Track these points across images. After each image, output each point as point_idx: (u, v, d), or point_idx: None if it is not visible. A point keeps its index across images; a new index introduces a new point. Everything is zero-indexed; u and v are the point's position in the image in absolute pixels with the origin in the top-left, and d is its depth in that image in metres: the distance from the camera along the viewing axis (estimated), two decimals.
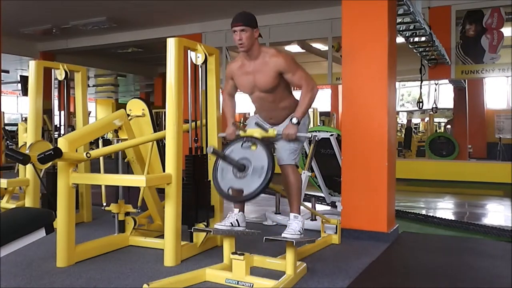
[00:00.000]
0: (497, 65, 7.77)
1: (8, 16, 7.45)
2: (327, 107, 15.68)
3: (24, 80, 12.04)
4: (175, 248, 3.14)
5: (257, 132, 2.93)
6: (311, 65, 12.33)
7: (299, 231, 2.93)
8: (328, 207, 5.21)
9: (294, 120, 2.92)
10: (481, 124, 12.38)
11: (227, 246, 2.93)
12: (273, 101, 3.04)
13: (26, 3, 7.95)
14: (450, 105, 12.73)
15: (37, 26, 9.77)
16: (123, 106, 4.14)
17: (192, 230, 3.23)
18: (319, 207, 5.16)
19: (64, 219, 3.12)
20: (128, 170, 4.03)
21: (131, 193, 3.83)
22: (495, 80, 13.36)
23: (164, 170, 3.33)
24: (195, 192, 3.38)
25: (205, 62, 3.47)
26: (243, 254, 2.70)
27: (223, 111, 3.34)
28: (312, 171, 4.75)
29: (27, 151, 3.86)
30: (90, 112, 19.30)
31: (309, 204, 4.49)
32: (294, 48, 10.18)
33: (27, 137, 4.36)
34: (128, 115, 3.93)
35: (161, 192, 3.57)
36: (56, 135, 4.64)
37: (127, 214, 3.70)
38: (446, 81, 11.27)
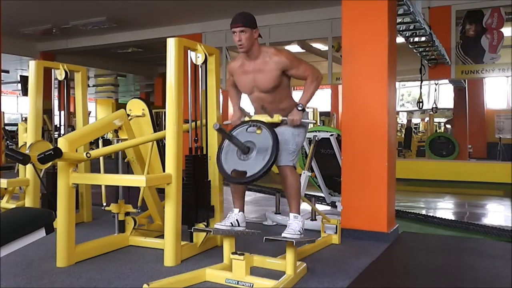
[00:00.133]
0: (497, 65, 7.77)
1: (8, 16, 7.45)
2: (327, 107, 15.68)
3: (24, 80, 12.04)
4: (175, 248, 3.14)
5: (263, 117, 2.97)
6: None
7: (299, 231, 2.93)
8: (328, 207, 5.21)
9: (299, 107, 2.96)
10: (481, 124, 12.38)
11: (227, 246, 2.93)
12: (273, 102, 3.04)
13: (26, 3, 7.95)
14: (450, 105, 12.73)
15: (37, 26, 9.77)
16: (123, 106, 4.14)
17: (192, 230, 3.23)
18: (319, 207, 5.15)
19: (64, 219, 3.12)
20: (128, 170, 4.03)
21: (131, 193, 3.83)
22: (495, 80, 13.36)
23: (164, 170, 3.33)
24: (195, 192, 3.38)
25: (205, 62, 3.47)
26: (243, 254, 2.70)
27: (224, 107, 3.37)
28: (312, 171, 4.75)
29: (27, 151, 3.86)
30: (90, 112, 19.30)
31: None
32: (294, 48, 10.17)
33: (27, 137, 4.36)
34: (128, 115, 3.93)
35: (161, 192, 3.57)
36: (56, 135, 4.63)
37: (127, 214, 3.70)
38: (446, 81, 11.27)
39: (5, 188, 4.46)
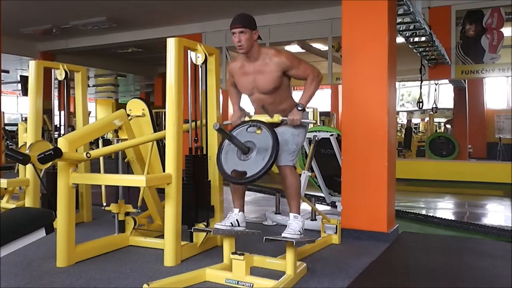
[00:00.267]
0: (497, 65, 7.77)
1: (8, 16, 7.45)
2: (327, 107, 15.68)
3: (24, 80, 12.04)
4: (175, 248, 3.14)
5: (263, 117, 2.97)
6: None
7: (299, 231, 2.93)
8: (328, 207, 5.21)
9: (299, 107, 2.96)
10: (481, 124, 12.38)
11: (227, 246, 2.93)
12: (273, 103, 3.04)
13: (26, 3, 7.95)
14: (450, 105, 12.73)
15: (37, 26, 9.77)
16: (123, 106, 4.14)
17: (192, 230, 3.23)
18: (319, 207, 5.15)
19: (64, 219, 3.12)
20: (128, 170, 4.03)
21: (131, 193, 3.83)
22: (495, 80, 13.36)
23: (164, 170, 3.33)
24: (195, 192, 3.38)
25: (205, 62, 3.47)
26: (243, 254, 2.70)
27: (225, 107, 3.36)
28: (312, 171, 4.75)
29: (27, 151, 3.86)
30: (90, 112, 19.30)
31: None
32: (294, 48, 10.17)
33: (27, 137, 4.36)
34: (128, 115, 3.93)
35: (161, 192, 3.57)
36: (56, 135, 4.63)
37: (127, 214, 3.70)
38: (446, 81, 11.27)
39: (5, 188, 4.46)
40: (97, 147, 4.19)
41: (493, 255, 3.57)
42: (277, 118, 2.98)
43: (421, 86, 8.53)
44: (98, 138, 3.86)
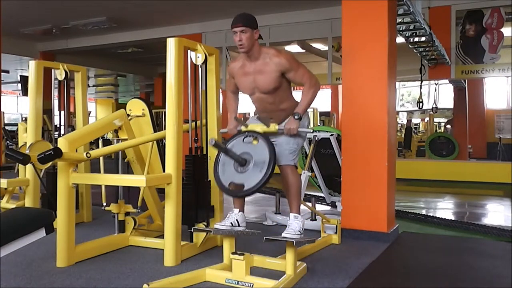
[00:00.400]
0: (497, 65, 7.77)
1: (8, 16, 7.45)
2: (327, 107, 15.68)
3: (24, 80, 12.04)
4: (175, 248, 3.14)
5: (259, 127, 2.94)
6: (311, 65, 12.25)
7: (299, 231, 2.93)
8: (328, 207, 5.21)
9: (296, 115, 2.94)
10: (481, 124, 12.38)
11: (227, 246, 2.93)
12: (273, 102, 3.04)
13: (26, 3, 7.95)
14: (450, 105, 12.73)
15: (37, 26, 9.77)
16: (123, 106, 4.14)
17: (192, 230, 3.23)
18: (319, 207, 5.15)
19: (64, 219, 3.12)
20: (128, 170, 4.03)
21: (131, 193, 3.83)
22: (495, 80, 13.36)
23: (164, 170, 3.33)
24: (195, 192, 3.38)
25: (205, 62, 3.47)
26: (243, 254, 2.70)
27: (225, 107, 3.35)
28: (312, 171, 4.75)
29: (27, 151, 3.86)
30: (90, 112, 19.30)
31: (309, 204, 4.50)
32: (294, 48, 10.17)
33: (27, 137, 4.36)
34: (128, 115, 3.93)
35: (161, 192, 3.57)
36: (56, 135, 4.63)
37: (127, 214, 3.70)
38: (446, 81, 11.26)
39: (5, 188, 4.46)
40: (97, 147, 4.19)
41: (493, 255, 3.57)
42: (273, 127, 2.95)
43: (421, 86, 8.53)
44: (98, 138, 3.86)
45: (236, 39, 2.92)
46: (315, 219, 4.30)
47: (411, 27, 5.54)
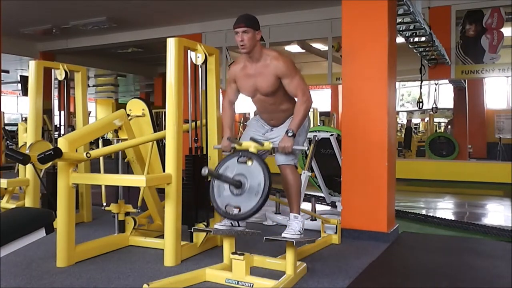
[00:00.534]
0: (497, 65, 7.77)
1: (8, 16, 7.45)
2: (327, 107, 15.68)
3: (24, 80, 12.04)
4: (175, 248, 3.14)
5: (252, 147, 2.88)
6: (311, 65, 12.34)
7: (299, 231, 2.93)
8: (328, 207, 5.21)
9: (290, 133, 2.89)
10: (481, 124, 12.37)
11: (227, 246, 2.93)
12: (274, 104, 3.04)
13: (26, 3, 7.94)
14: (450, 105, 12.73)
15: (37, 26, 9.77)
16: (123, 106, 4.14)
17: (192, 230, 3.23)
18: (319, 207, 5.15)
19: (64, 219, 3.12)
20: (128, 170, 4.03)
21: (131, 193, 3.83)
22: (495, 80, 13.35)
23: (164, 170, 3.33)
24: (195, 192, 3.38)
25: (205, 62, 3.47)
26: (243, 254, 2.70)
27: (221, 119, 3.29)
28: (312, 171, 4.75)
29: (27, 151, 3.86)
30: (90, 112, 19.31)
31: (309, 204, 4.50)
32: (294, 48, 10.17)
33: (27, 137, 4.36)
34: (128, 115, 3.93)
35: (161, 192, 3.57)
36: (56, 135, 4.63)
37: (127, 214, 3.70)
38: (446, 81, 11.26)
39: (5, 188, 4.45)
40: (97, 147, 4.19)
41: (493, 255, 3.57)
42: (267, 145, 2.92)
43: (421, 86, 8.53)
44: (98, 138, 3.86)
45: (238, 39, 2.92)
46: (315, 219, 4.30)
47: (411, 27, 5.53)
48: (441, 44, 6.84)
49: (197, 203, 3.39)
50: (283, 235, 2.91)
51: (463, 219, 5.30)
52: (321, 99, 15.85)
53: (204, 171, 2.53)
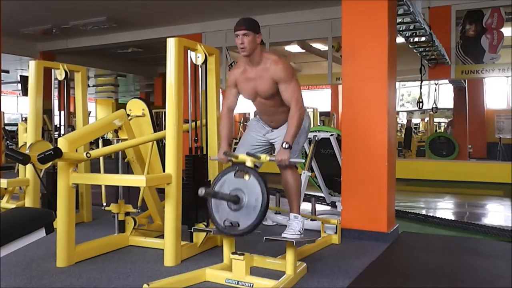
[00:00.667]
0: (497, 65, 7.77)
1: (8, 16, 7.46)
2: (327, 107, 15.69)
3: (24, 80, 12.05)
4: (175, 248, 3.14)
5: (249, 161, 2.84)
6: (311, 65, 12.36)
7: (299, 231, 2.94)
8: (328, 207, 5.21)
9: (285, 145, 2.85)
10: (481, 124, 12.36)
11: (227, 246, 2.93)
12: (274, 106, 3.05)
13: (26, 3, 7.95)
14: (450, 105, 12.72)
15: (37, 26, 9.77)
16: (123, 106, 4.14)
17: (192, 230, 3.23)
18: (319, 207, 5.15)
19: (64, 219, 3.12)
20: (128, 170, 4.03)
21: (131, 193, 3.83)
22: (495, 80, 13.35)
23: (164, 170, 3.33)
24: (195, 192, 3.37)
25: (205, 62, 3.48)
26: (243, 254, 2.70)
27: (219, 127, 3.27)
28: (312, 171, 4.75)
29: (27, 151, 3.86)
30: (90, 112, 19.31)
31: (309, 204, 4.50)
32: (294, 48, 10.18)
33: (27, 137, 4.36)
34: (128, 115, 3.93)
35: (161, 192, 3.57)
36: (56, 135, 4.63)
37: (127, 214, 3.70)
38: (446, 81, 11.26)
39: (5, 188, 4.45)
40: (97, 147, 4.19)
41: (493, 255, 3.57)
42: (264, 158, 2.88)
43: (421, 86, 8.53)
44: (98, 138, 3.86)
45: (238, 42, 2.92)
46: (315, 219, 4.30)
47: (411, 27, 5.54)
48: (441, 44, 6.84)
49: (197, 203, 3.38)
50: (283, 235, 2.91)
51: (463, 219, 5.30)
52: (321, 99, 15.86)
53: (201, 191, 2.51)
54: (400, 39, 5.82)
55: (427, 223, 4.83)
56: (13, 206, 4.43)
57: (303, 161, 3.13)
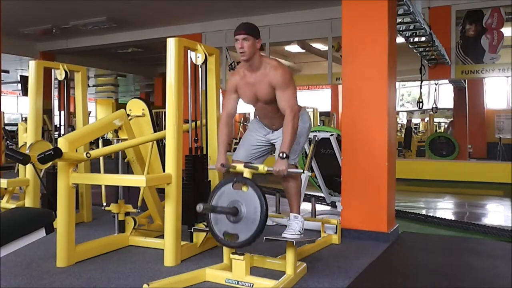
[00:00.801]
0: (497, 65, 7.78)
1: (8, 16, 7.46)
2: (327, 107, 15.69)
3: (24, 80, 12.05)
4: (175, 248, 3.14)
5: (247, 172, 2.84)
6: (311, 65, 12.36)
7: (299, 231, 2.94)
8: (328, 207, 5.21)
9: (282, 155, 2.83)
10: (481, 124, 12.37)
11: None
12: (274, 110, 3.04)
13: (26, 3, 7.95)
14: (450, 105, 12.72)
15: (37, 26, 9.78)
16: (123, 106, 4.14)
17: (192, 230, 3.23)
18: (319, 207, 5.15)
19: (64, 219, 3.12)
20: (128, 170, 4.03)
21: (131, 193, 3.83)
22: (495, 80, 13.35)
23: (164, 170, 3.33)
24: (195, 192, 3.38)
25: (205, 62, 3.48)
26: (243, 254, 2.70)
27: (218, 135, 3.26)
28: (312, 171, 4.75)
29: (27, 151, 3.86)
30: (90, 112, 19.31)
31: (309, 204, 4.50)
32: (294, 48, 10.18)
33: (27, 137, 4.36)
34: (128, 115, 3.93)
35: (161, 192, 3.57)
36: (56, 135, 4.64)
37: (127, 214, 3.70)
38: (446, 81, 11.26)
39: (5, 188, 4.45)
40: (97, 147, 4.19)
41: (493, 255, 3.57)
42: (262, 169, 2.88)
43: (421, 86, 8.53)
44: (98, 138, 3.86)
45: (238, 46, 2.91)
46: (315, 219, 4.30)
47: (411, 27, 5.54)
48: (441, 44, 6.84)
49: (197, 203, 3.37)
50: (283, 235, 2.91)
51: (463, 219, 5.30)
52: (321, 99, 15.85)
53: (199, 208, 2.50)
54: (400, 39, 5.82)
55: (427, 223, 4.82)
56: (13, 206, 4.43)
57: (301, 171, 3.13)
